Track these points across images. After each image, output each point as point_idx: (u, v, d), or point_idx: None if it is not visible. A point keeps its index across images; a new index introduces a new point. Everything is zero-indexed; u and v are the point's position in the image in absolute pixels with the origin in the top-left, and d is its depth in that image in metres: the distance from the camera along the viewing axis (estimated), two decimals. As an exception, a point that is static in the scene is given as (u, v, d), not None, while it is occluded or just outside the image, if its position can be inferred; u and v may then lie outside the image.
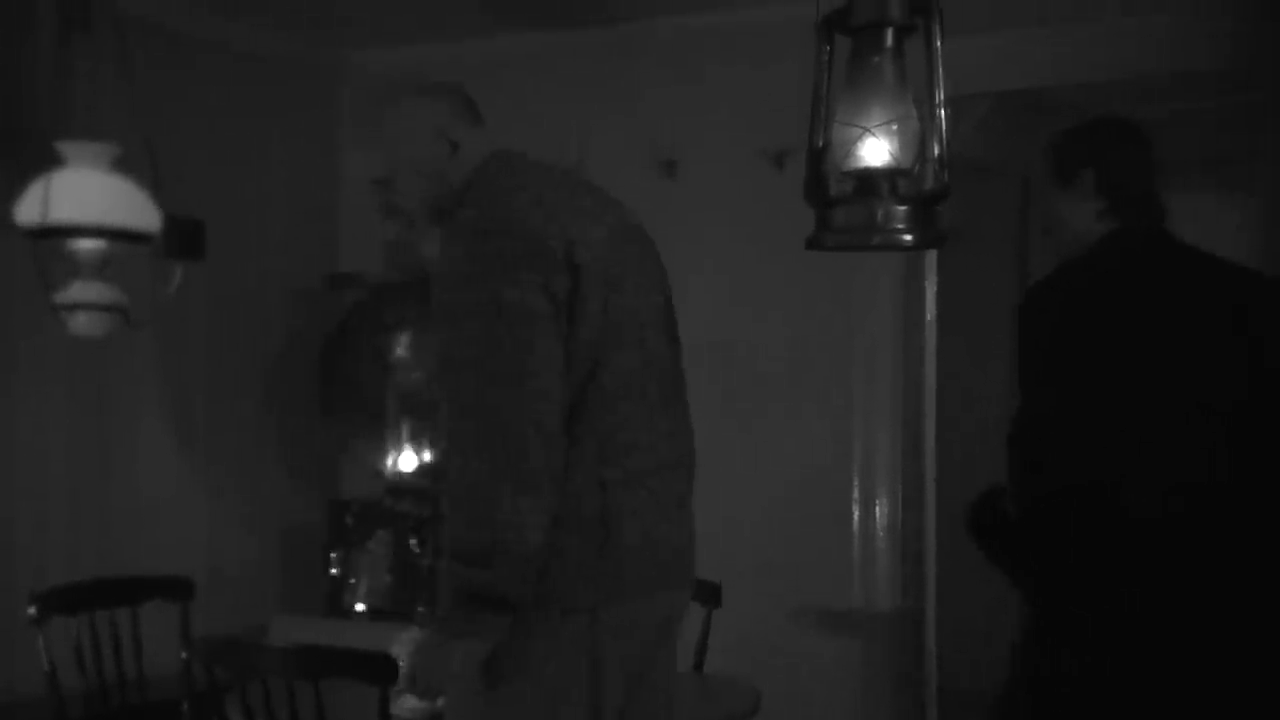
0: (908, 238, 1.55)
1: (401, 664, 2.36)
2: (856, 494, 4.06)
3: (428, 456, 4.19)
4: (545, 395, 1.94)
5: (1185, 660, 2.36)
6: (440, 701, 2.24)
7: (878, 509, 4.04)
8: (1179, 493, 2.31)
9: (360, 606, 3.83)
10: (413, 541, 3.91)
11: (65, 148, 3.08)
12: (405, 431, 4.24)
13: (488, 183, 2.12)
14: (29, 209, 3.03)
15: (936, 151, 1.55)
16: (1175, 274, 2.49)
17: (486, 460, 1.91)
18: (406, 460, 4.25)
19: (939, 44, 1.60)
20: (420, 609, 3.44)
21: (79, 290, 3.09)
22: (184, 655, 3.14)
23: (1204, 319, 2.42)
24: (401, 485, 4.02)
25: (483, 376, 1.93)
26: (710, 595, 3.36)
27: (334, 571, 4.06)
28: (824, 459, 4.09)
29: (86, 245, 3.06)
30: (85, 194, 3.02)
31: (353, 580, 3.89)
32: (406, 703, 2.40)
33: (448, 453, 1.99)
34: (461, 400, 1.95)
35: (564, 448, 1.97)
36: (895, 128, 1.53)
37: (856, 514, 4.06)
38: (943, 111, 1.57)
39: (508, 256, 1.96)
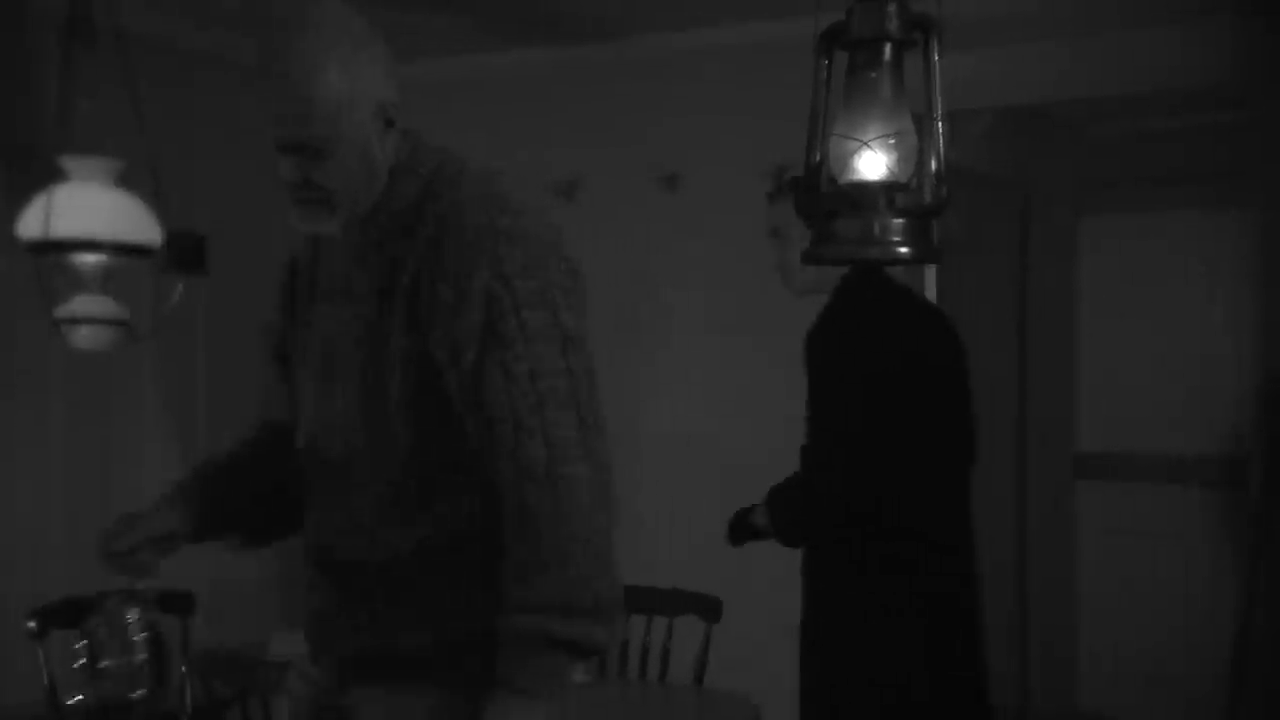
0: (904, 250, 1.54)
1: None
2: (857, 508, 4.05)
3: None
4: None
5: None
6: None
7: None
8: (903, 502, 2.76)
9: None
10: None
11: (67, 162, 3.09)
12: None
13: (484, 187, 1.80)
14: (31, 223, 3.04)
15: (934, 166, 1.54)
16: (905, 310, 2.92)
17: (604, 509, 1.70)
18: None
19: (937, 59, 1.60)
20: None
21: (81, 304, 3.10)
22: (184, 669, 3.14)
23: (925, 347, 2.89)
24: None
25: (571, 413, 1.71)
26: (710, 610, 3.36)
27: None
28: (824, 473, 4.09)
29: (88, 259, 3.06)
30: (87, 208, 3.03)
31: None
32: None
33: (534, 490, 1.69)
34: (553, 441, 1.70)
35: None
36: (892, 141, 1.52)
37: (857, 528, 4.05)
38: (941, 126, 1.57)
39: (557, 279, 1.74)
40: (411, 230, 1.78)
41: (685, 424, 4.36)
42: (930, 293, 4.23)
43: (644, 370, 4.41)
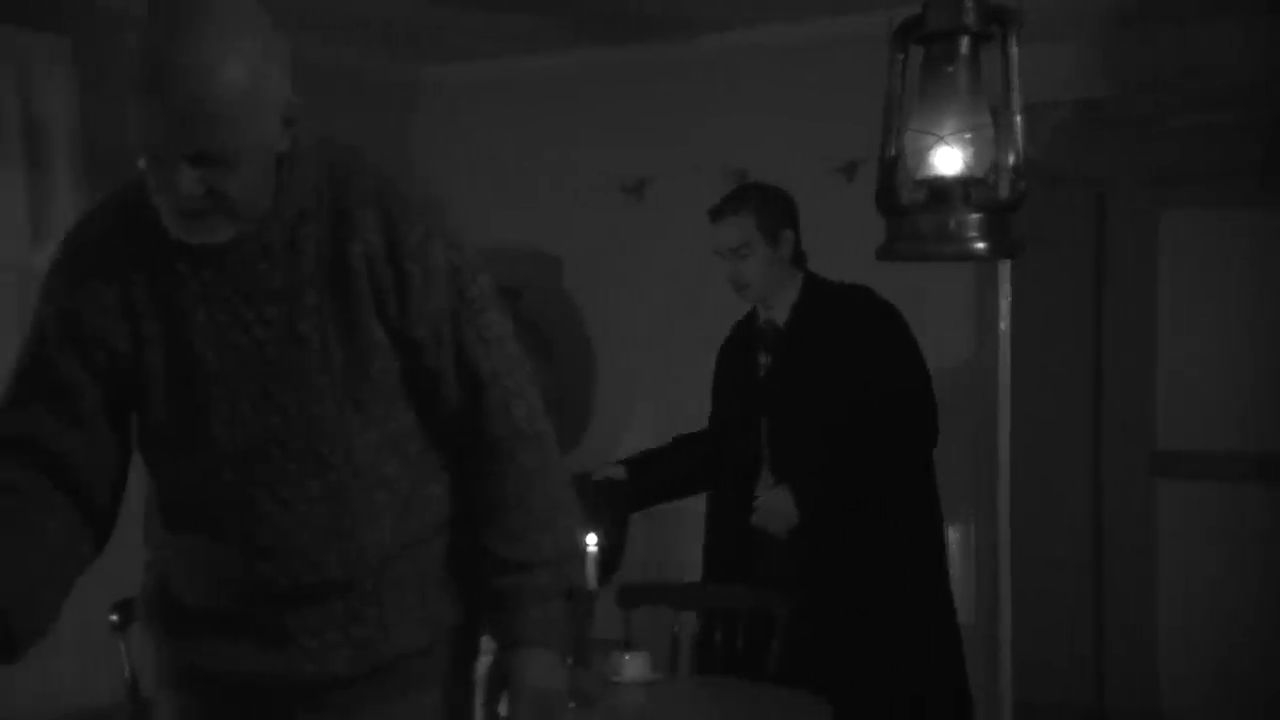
0: (980, 246, 1.53)
1: None
2: (930, 507, 4.00)
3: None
4: None
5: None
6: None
7: (951, 524, 3.99)
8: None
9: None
10: None
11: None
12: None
13: (397, 188, 1.74)
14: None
15: (1011, 160, 1.52)
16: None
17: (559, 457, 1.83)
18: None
19: (1015, 51, 1.57)
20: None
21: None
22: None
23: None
24: None
25: (528, 371, 1.81)
26: (782, 606, 3.33)
27: None
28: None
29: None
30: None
31: None
32: None
33: (530, 449, 1.78)
34: (530, 399, 1.78)
35: None
36: (969, 136, 1.50)
37: (930, 527, 4.00)
38: (1018, 119, 1.55)
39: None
40: (347, 215, 1.67)
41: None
42: (1004, 288, 4.17)
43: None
